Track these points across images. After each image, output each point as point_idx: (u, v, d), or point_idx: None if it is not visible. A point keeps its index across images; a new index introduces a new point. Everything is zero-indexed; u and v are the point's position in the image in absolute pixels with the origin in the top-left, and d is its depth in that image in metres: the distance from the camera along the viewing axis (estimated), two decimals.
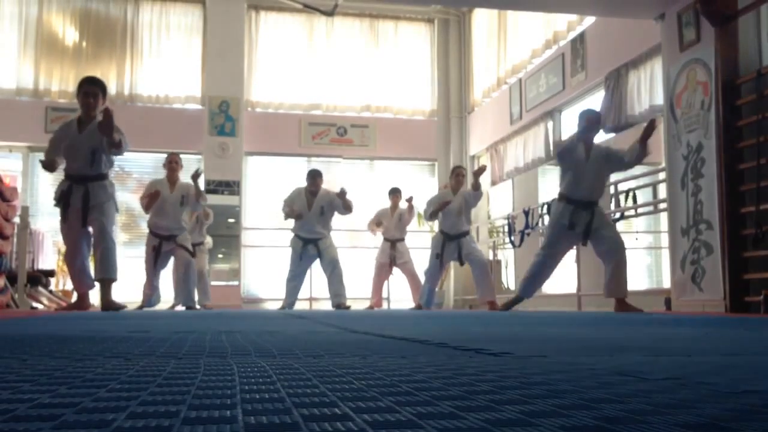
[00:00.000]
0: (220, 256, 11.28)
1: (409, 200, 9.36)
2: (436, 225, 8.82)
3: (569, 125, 9.59)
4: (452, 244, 8.07)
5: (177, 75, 11.82)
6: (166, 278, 8.16)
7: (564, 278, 8.60)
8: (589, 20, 8.70)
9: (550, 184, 9.55)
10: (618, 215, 7.44)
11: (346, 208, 8.24)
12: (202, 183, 10.78)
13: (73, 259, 6.01)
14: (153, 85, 11.69)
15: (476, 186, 7.88)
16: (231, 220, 11.39)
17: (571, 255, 8.18)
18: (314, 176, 8.41)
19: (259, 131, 11.79)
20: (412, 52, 12.82)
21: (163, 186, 7.69)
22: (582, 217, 5.97)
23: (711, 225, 5.67)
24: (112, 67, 11.58)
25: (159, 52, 11.82)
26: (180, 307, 8.09)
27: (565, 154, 6.07)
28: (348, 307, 8.19)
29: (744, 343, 1.99)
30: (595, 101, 8.56)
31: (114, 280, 5.94)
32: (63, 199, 5.84)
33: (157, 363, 1.19)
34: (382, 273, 9.84)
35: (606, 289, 6.04)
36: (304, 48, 12.30)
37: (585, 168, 5.95)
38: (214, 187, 11.30)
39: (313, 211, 8.29)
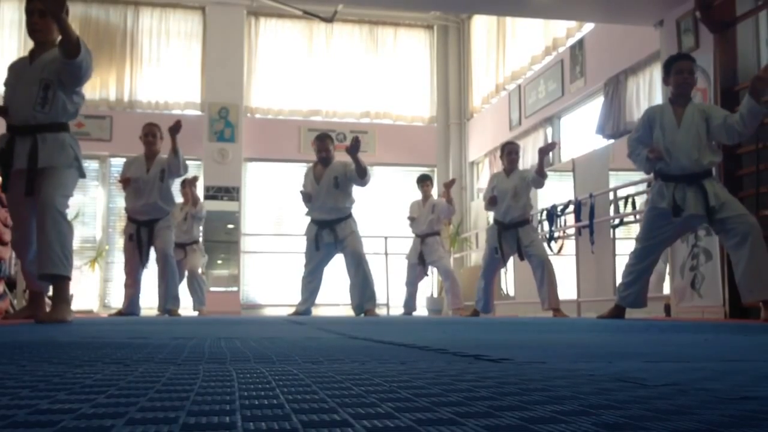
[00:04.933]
0: (219, 261, 11.28)
1: (448, 185, 8.49)
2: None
3: (569, 131, 9.61)
4: (508, 233, 7.03)
5: (176, 81, 11.84)
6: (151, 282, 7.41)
7: (563, 284, 8.59)
8: (588, 27, 8.72)
9: (549, 190, 9.55)
10: (617, 221, 7.44)
11: (361, 173, 6.74)
12: (200, 189, 10.73)
13: (25, 245, 4.25)
14: (152, 91, 11.72)
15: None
16: (230, 226, 11.40)
17: (570, 260, 8.20)
18: (322, 139, 7.07)
19: (258, 137, 11.81)
20: (411, 58, 12.85)
21: (138, 165, 6.79)
22: (690, 197, 4.75)
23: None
24: (112, 73, 11.60)
25: (159, 58, 11.85)
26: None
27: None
28: (376, 315, 7.00)
29: (743, 349, 1.99)
30: (595, 107, 8.58)
31: (64, 277, 4.10)
32: (2, 158, 4.14)
33: (156, 369, 1.19)
34: (412, 274, 8.78)
35: (745, 289, 4.57)
36: (303, 54, 12.33)
37: (676, 135, 4.79)
38: (214, 193, 11.32)
39: (323, 184, 6.91)
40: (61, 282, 4.10)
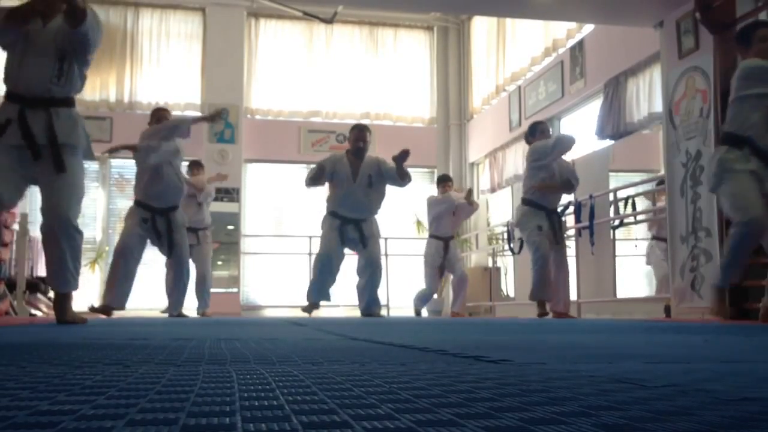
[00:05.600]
0: (219, 263, 11.27)
1: (469, 197, 8.37)
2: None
3: (569, 132, 9.60)
4: (553, 220, 6.63)
5: (177, 82, 11.84)
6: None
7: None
8: (588, 28, 8.72)
9: None
10: (617, 222, 7.45)
11: (404, 176, 6.49)
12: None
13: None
14: (153, 92, 11.71)
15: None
16: (230, 227, 11.39)
17: (570, 261, 8.20)
18: (362, 129, 6.73)
19: (258, 138, 11.81)
20: (411, 59, 12.85)
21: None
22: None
23: (710, 232, 5.67)
24: (112, 74, 11.60)
25: (159, 59, 11.85)
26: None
27: None
28: (381, 316, 6.92)
29: (743, 350, 1.99)
30: (595, 109, 8.58)
31: (72, 290, 4.02)
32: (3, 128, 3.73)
33: (156, 370, 1.19)
34: (434, 275, 8.50)
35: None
36: (303, 55, 12.33)
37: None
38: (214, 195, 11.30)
39: (360, 180, 6.53)
40: (68, 295, 4.01)
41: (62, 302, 4.00)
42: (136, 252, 6.17)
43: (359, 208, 6.60)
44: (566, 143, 6.55)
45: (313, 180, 6.64)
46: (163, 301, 7.33)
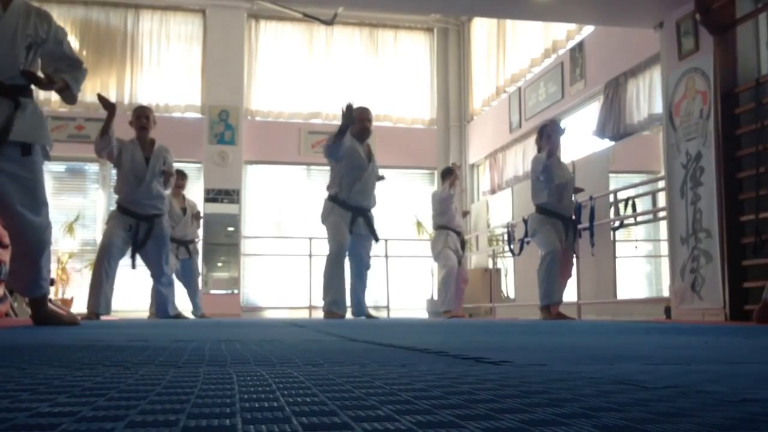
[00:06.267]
0: (219, 264, 11.28)
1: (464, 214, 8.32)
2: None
3: (569, 133, 9.61)
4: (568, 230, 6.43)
5: (177, 84, 11.85)
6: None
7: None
8: (588, 29, 8.73)
9: None
10: (617, 223, 7.45)
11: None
12: (201, 192, 10.66)
13: None
14: (153, 94, 11.72)
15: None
16: (230, 229, 11.40)
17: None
18: (366, 109, 6.34)
19: (258, 140, 11.81)
20: (411, 61, 12.86)
21: (133, 150, 6.01)
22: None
23: (710, 233, 5.67)
24: (113, 76, 11.60)
25: (159, 61, 11.86)
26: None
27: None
28: (374, 317, 6.66)
29: (744, 351, 1.99)
30: (595, 110, 8.58)
31: (46, 294, 3.85)
32: None
33: (156, 372, 1.19)
34: (457, 274, 8.04)
35: None
36: (303, 57, 12.34)
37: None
38: (214, 196, 11.32)
39: (372, 164, 6.22)
40: (42, 298, 3.83)
41: (39, 305, 3.80)
42: (118, 254, 5.94)
43: (368, 194, 6.21)
44: (554, 136, 6.29)
45: (333, 150, 6.05)
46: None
